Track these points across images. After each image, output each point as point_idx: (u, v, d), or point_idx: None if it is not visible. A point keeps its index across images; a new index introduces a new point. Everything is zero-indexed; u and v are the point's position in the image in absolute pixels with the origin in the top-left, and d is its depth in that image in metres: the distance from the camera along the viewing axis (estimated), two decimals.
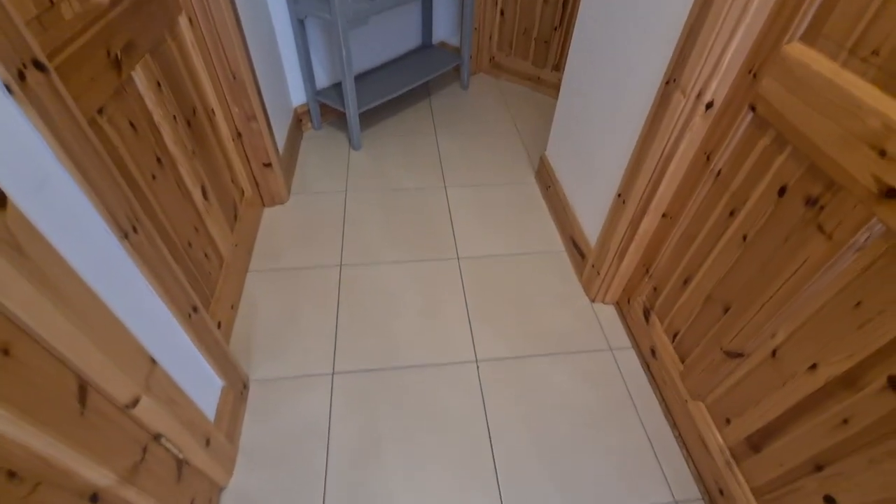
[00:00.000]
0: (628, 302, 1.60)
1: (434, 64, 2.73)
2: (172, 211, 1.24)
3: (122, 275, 0.83)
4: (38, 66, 0.67)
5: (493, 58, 3.03)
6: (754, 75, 0.99)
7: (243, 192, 1.88)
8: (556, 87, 2.86)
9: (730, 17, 0.96)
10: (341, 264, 1.80)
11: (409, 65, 2.70)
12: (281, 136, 2.14)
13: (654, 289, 1.44)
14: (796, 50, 0.90)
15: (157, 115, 1.21)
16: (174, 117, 1.30)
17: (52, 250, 0.64)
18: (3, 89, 0.60)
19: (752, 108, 1.00)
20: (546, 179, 2.13)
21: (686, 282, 1.27)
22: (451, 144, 2.46)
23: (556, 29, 2.66)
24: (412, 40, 2.89)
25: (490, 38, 2.95)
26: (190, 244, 1.33)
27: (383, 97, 2.40)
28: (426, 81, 2.93)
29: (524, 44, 2.84)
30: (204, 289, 1.40)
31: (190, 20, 1.42)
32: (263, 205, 2.04)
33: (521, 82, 2.99)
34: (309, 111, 2.49)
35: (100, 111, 0.96)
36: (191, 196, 1.38)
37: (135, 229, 0.86)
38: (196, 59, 1.47)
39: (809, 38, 0.88)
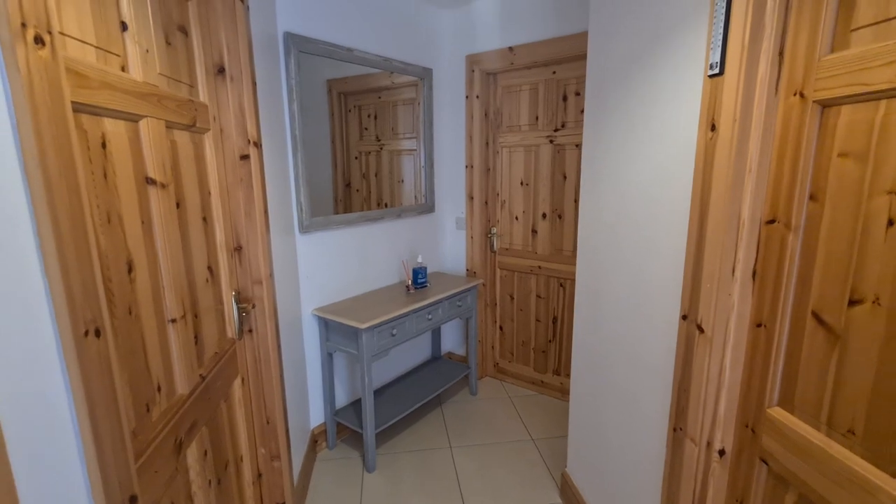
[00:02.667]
0: None
1: (445, 375, 2.97)
2: None
3: None
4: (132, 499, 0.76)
5: (497, 364, 3.32)
6: (753, 430, 1.11)
7: None
8: (560, 390, 3.03)
9: (711, 375, 1.15)
10: None
11: (422, 377, 2.93)
12: (297, 463, 2.12)
13: None
14: (780, 414, 1.04)
15: (195, 486, 1.25)
16: (209, 482, 1.33)
17: None
18: None
19: (765, 462, 1.08)
20: (572, 499, 2.01)
21: None
22: (468, 461, 2.42)
23: (550, 341, 3.02)
24: (423, 354, 3.22)
25: (493, 348, 3.31)
26: None
27: (399, 414, 2.51)
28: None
29: (524, 353, 3.17)
30: None
31: (242, 380, 1.63)
32: None
33: (526, 385, 3.18)
34: (325, 430, 2.54)
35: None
36: None
37: None
38: (239, 414, 1.62)
39: (787, 404, 1.03)
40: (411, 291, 2.64)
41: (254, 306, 1.62)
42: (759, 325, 1.09)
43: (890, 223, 0.81)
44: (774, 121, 1.01)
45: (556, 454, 2.48)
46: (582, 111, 2.68)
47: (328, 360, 2.44)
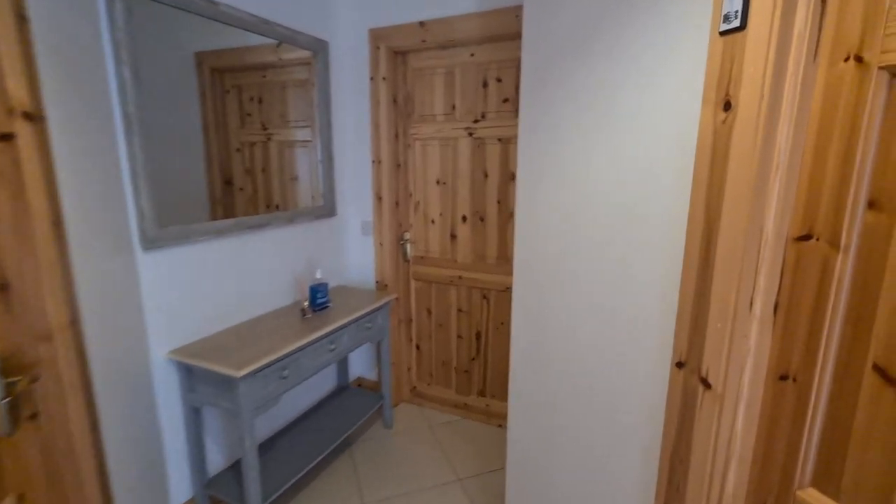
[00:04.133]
0: None
1: (353, 410, 2.48)
2: None
3: None
4: None
5: (415, 388, 2.91)
6: None
7: None
8: (485, 413, 2.71)
9: (720, 446, 0.85)
10: None
11: (325, 416, 2.42)
12: None
13: None
14: (816, 499, 0.77)
15: None
16: None
17: None
18: None
19: None
20: None
21: None
22: None
23: (473, 360, 2.69)
24: (326, 384, 2.70)
25: (409, 370, 2.90)
26: None
27: (295, 474, 1.98)
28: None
29: (445, 374, 2.80)
30: None
31: (20, 498, 1.02)
32: None
33: (448, 410, 2.82)
34: None
35: None
36: None
37: None
38: None
39: (827, 486, 0.76)
40: (308, 315, 2.11)
41: (35, 379, 1.02)
42: (783, 378, 0.81)
43: None
44: (811, 96, 0.72)
45: (489, 495, 2.14)
46: (505, 100, 2.36)
47: (194, 415, 1.83)
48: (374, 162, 2.60)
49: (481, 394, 2.72)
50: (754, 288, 0.78)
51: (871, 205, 0.68)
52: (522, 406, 1.54)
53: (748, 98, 0.73)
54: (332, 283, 2.66)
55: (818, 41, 0.71)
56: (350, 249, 2.80)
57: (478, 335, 2.66)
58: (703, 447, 0.86)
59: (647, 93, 0.97)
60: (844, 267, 0.71)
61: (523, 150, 1.42)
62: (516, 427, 1.56)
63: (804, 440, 0.78)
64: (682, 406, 0.90)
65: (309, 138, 2.43)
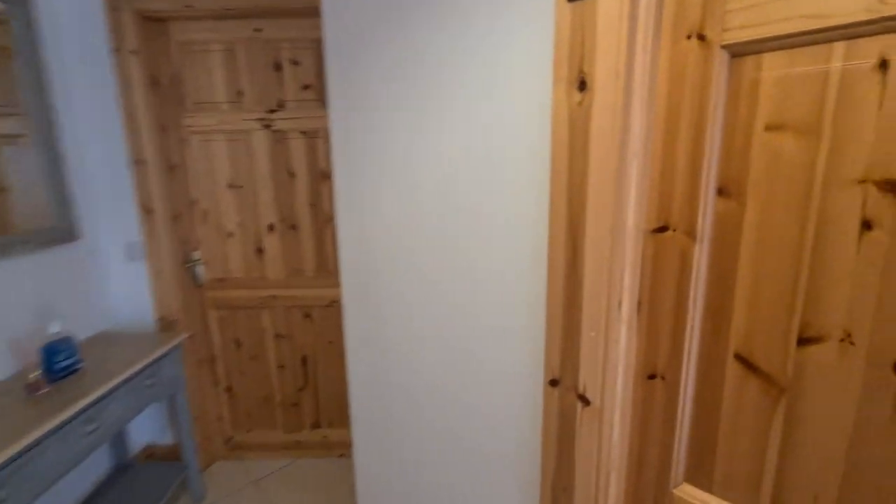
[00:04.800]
0: None
1: (144, 493, 1.86)
2: None
3: None
4: None
5: (231, 439, 2.37)
6: None
7: None
8: (324, 446, 2.37)
9: (602, 463, 0.77)
10: None
11: None
12: None
13: None
14: (691, 494, 0.75)
15: None
16: None
17: None
18: None
19: None
20: None
21: None
22: None
23: (302, 390, 2.31)
24: (96, 468, 1.97)
25: (219, 419, 2.34)
26: None
27: None
28: None
29: (267, 413, 2.34)
30: None
31: None
32: None
33: (277, 455, 2.38)
34: None
35: None
36: None
37: None
38: None
39: (700, 480, 0.75)
40: (43, 390, 1.44)
41: None
42: (651, 377, 0.76)
43: (865, 226, 0.56)
44: (657, 76, 0.67)
45: None
46: (306, 87, 2.02)
47: None
48: (135, 163, 1.97)
49: (315, 425, 2.38)
50: (622, 288, 0.71)
51: (721, 192, 0.66)
52: (366, 432, 1.30)
53: (605, 76, 0.64)
54: (84, 334, 1.93)
55: (661, 16, 0.65)
56: (112, 282, 2.09)
57: (304, 360, 2.29)
58: (587, 469, 0.78)
59: (490, 68, 0.82)
60: (702, 258, 0.68)
61: (337, 144, 1.16)
62: (363, 454, 1.32)
63: (676, 438, 0.75)
64: (559, 428, 0.80)
65: (20, 131, 1.68)
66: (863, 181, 0.54)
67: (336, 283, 2.12)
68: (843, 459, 0.61)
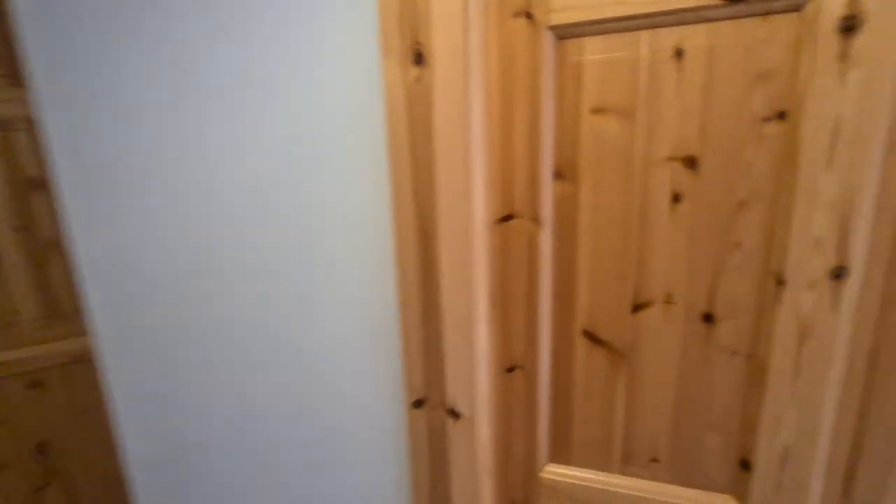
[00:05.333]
0: None
1: None
2: None
3: None
4: None
5: None
6: None
7: None
8: None
9: (474, 477, 0.72)
10: None
11: None
12: None
13: None
14: (556, 473, 0.77)
15: None
16: None
17: None
18: None
19: None
20: None
21: None
22: None
23: (43, 489, 1.64)
24: None
25: None
26: None
27: None
28: None
29: None
30: None
31: None
32: None
33: None
34: None
35: None
36: None
37: None
38: None
39: (563, 456, 0.77)
40: None
41: None
42: (510, 370, 0.74)
43: (675, 199, 0.62)
44: (490, 54, 0.63)
45: None
46: None
47: None
48: None
49: None
50: (478, 285, 0.66)
51: (558, 175, 0.66)
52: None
53: (444, 49, 0.56)
54: None
55: None
56: None
57: (41, 448, 1.63)
58: (462, 482, 0.71)
59: (310, 33, 0.65)
60: (547, 243, 0.68)
61: (57, 139, 0.80)
62: None
63: (539, 423, 0.75)
64: (430, 450, 0.71)
65: None
66: (671, 159, 0.61)
67: (81, 330, 1.56)
68: (672, 406, 0.69)
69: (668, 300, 0.65)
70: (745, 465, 0.67)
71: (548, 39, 0.61)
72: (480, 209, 0.64)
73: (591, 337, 0.70)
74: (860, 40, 0.50)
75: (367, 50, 0.62)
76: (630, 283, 0.67)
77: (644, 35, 0.58)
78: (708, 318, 0.64)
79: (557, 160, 0.66)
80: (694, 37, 0.57)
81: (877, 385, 0.60)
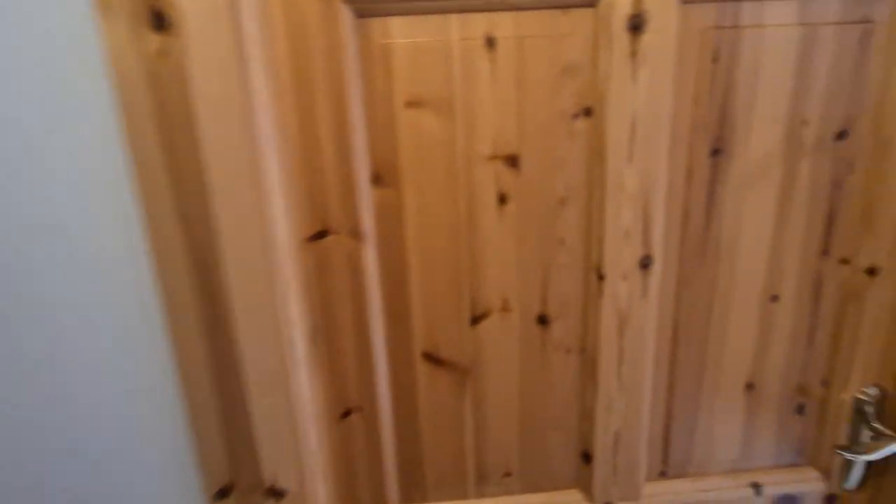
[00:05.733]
0: None
1: None
2: None
3: None
4: None
5: None
6: None
7: None
8: None
9: None
10: None
11: None
12: None
13: None
14: None
15: None
16: None
17: None
18: None
19: None
20: None
21: None
22: None
23: None
24: None
25: None
26: None
27: None
28: None
29: None
30: None
31: None
32: None
33: None
34: None
35: None
36: None
37: None
38: None
39: (414, 493, 0.68)
40: None
41: None
42: (346, 415, 0.61)
43: (501, 200, 0.58)
44: (276, 28, 0.49)
45: None
46: None
47: None
48: None
49: None
50: (290, 322, 0.51)
51: (376, 180, 0.56)
52: None
53: (197, 4, 0.39)
54: None
55: None
56: None
57: None
58: None
59: None
60: (372, 260, 0.57)
61: None
62: None
63: (385, 466, 0.64)
64: None
65: None
66: (494, 157, 0.57)
67: None
68: (517, 414, 0.66)
69: (505, 307, 0.62)
70: (587, 456, 0.68)
71: (345, 15, 0.50)
72: (283, 226, 0.50)
73: (431, 359, 0.63)
74: (645, 39, 0.52)
75: (82, 8, 0.41)
76: (466, 294, 0.61)
77: (454, 19, 0.52)
78: (542, 319, 0.63)
79: (375, 162, 0.56)
80: (503, 25, 0.53)
81: (679, 359, 0.66)
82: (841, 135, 0.59)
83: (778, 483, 0.71)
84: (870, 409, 0.67)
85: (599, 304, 0.61)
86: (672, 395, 0.67)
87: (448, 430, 0.66)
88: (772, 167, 0.59)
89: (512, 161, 0.57)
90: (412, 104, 0.54)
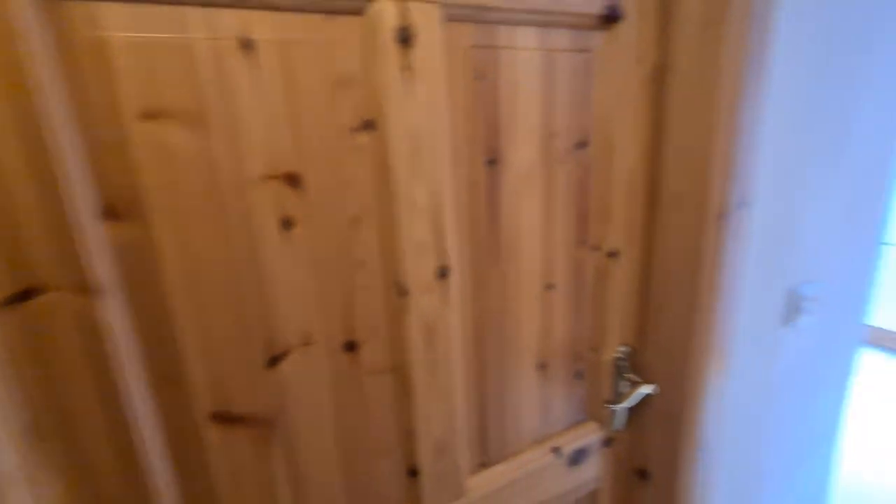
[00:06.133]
0: None
1: None
2: None
3: None
4: None
5: None
6: None
7: None
8: None
9: None
10: None
11: None
12: None
13: None
14: None
15: None
16: None
17: None
18: None
19: None
20: None
21: None
22: None
23: None
24: None
25: None
26: None
27: None
28: None
29: None
30: None
31: None
32: None
33: None
34: None
35: None
36: None
37: None
38: None
39: None
40: None
41: None
42: None
43: (285, 224, 0.51)
44: None
45: None
46: None
47: None
48: None
49: None
50: None
51: (109, 214, 0.43)
52: None
53: None
54: None
55: None
56: None
57: None
58: None
59: None
60: (118, 318, 0.44)
61: None
62: None
63: None
64: None
65: None
66: (270, 177, 0.49)
67: None
68: (338, 450, 0.61)
69: (306, 340, 0.55)
70: (413, 472, 0.67)
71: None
72: None
73: (223, 418, 0.52)
74: (416, 53, 0.52)
75: None
76: (257, 335, 0.52)
77: (193, 14, 0.43)
78: (350, 346, 0.59)
79: (104, 191, 0.42)
80: (261, 27, 0.46)
81: (483, 355, 0.70)
82: (581, 144, 0.70)
83: (570, 441, 0.83)
84: (623, 364, 0.83)
85: (406, 320, 0.60)
86: (482, 390, 0.71)
87: (259, 499, 0.57)
88: (535, 174, 0.67)
89: (293, 180, 0.51)
90: (149, 116, 0.43)
